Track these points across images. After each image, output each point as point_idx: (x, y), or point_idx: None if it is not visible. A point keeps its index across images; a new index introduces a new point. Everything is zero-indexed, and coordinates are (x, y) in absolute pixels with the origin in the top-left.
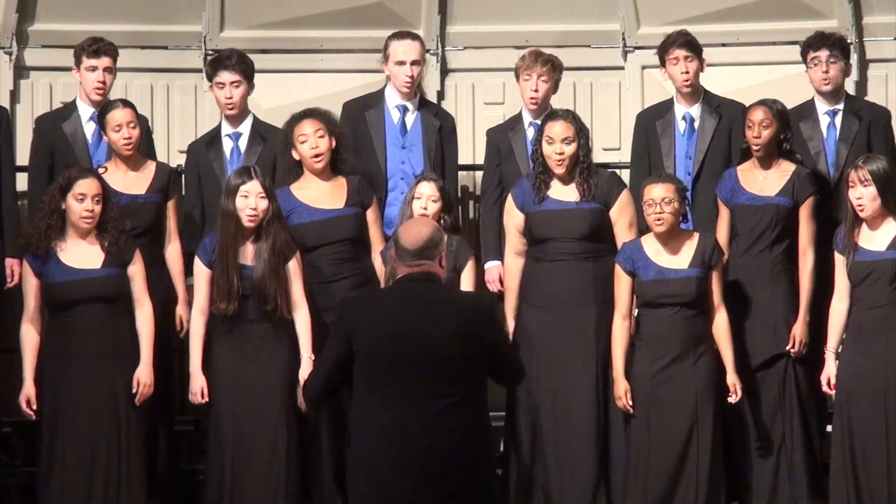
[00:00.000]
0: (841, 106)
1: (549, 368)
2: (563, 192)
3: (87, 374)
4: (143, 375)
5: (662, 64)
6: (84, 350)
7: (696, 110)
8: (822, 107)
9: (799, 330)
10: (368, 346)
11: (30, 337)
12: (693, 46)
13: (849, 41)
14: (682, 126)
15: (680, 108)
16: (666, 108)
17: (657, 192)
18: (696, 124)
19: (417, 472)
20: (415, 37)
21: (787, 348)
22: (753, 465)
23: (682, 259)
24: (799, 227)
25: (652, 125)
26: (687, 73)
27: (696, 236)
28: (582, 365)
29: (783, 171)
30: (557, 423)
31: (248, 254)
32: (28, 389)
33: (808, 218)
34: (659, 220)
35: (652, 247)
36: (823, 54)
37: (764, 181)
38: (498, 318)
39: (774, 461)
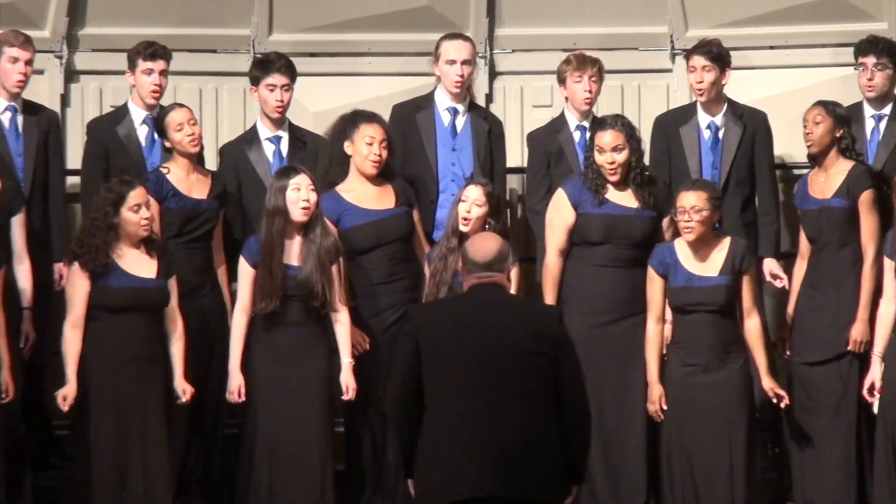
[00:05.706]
0: (888, 111)
1: (597, 375)
2: (622, 198)
3: (133, 379)
4: (186, 384)
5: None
6: (132, 356)
7: (720, 119)
8: (868, 110)
9: (857, 330)
10: (437, 344)
11: (75, 341)
12: (715, 57)
13: None
14: (706, 135)
15: (704, 117)
16: (689, 114)
17: (688, 199)
18: (721, 133)
19: (484, 463)
20: (466, 38)
21: (848, 349)
22: (812, 465)
23: (711, 266)
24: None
25: (674, 131)
26: (701, 82)
27: (727, 242)
28: (630, 371)
29: (840, 172)
30: (606, 426)
31: (294, 253)
32: (71, 388)
33: (866, 214)
34: (687, 228)
35: (683, 251)
36: (870, 61)
37: (825, 183)
38: (566, 330)
39: (835, 461)
